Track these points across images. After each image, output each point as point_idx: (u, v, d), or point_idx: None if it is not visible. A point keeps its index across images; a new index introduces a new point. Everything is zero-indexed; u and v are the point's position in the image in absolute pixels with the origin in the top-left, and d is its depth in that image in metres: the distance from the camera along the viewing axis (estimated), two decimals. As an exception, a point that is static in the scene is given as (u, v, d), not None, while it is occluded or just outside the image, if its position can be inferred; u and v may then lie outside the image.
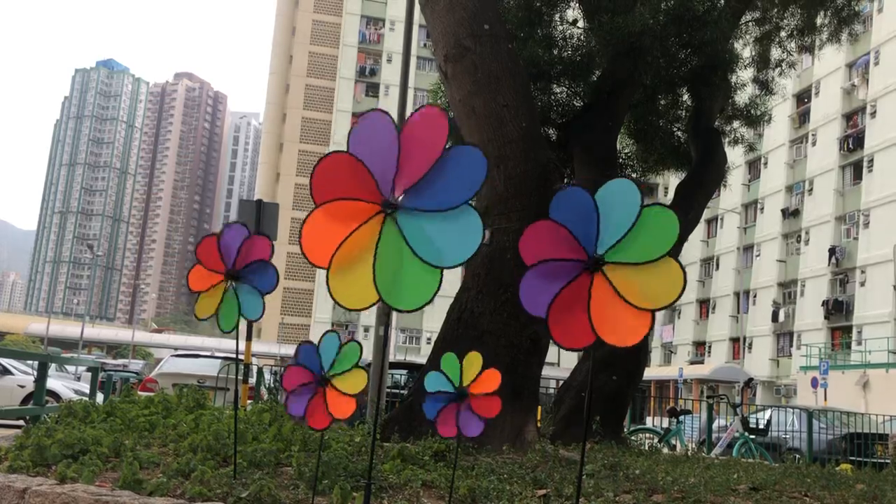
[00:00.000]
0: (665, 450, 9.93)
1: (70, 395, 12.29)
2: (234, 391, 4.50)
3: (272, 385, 13.20)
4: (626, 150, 11.75)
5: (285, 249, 62.23)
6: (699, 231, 46.89)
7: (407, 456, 4.86)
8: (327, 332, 3.51)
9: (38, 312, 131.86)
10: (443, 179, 2.51)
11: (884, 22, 37.77)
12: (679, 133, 11.42)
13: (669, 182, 43.19)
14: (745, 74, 11.81)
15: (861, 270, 37.23)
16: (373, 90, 66.29)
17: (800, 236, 42.92)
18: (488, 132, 6.60)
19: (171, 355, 17.33)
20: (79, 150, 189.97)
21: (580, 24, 10.33)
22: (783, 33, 11.83)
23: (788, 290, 43.74)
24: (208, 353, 19.12)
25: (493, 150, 6.56)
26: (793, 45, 11.98)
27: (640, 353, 9.31)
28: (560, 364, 40.38)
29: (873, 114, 38.04)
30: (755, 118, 11.71)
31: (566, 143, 9.73)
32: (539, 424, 7.49)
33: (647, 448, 8.65)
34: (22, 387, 13.18)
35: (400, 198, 2.58)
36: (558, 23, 10.23)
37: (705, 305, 52.06)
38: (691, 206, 9.94)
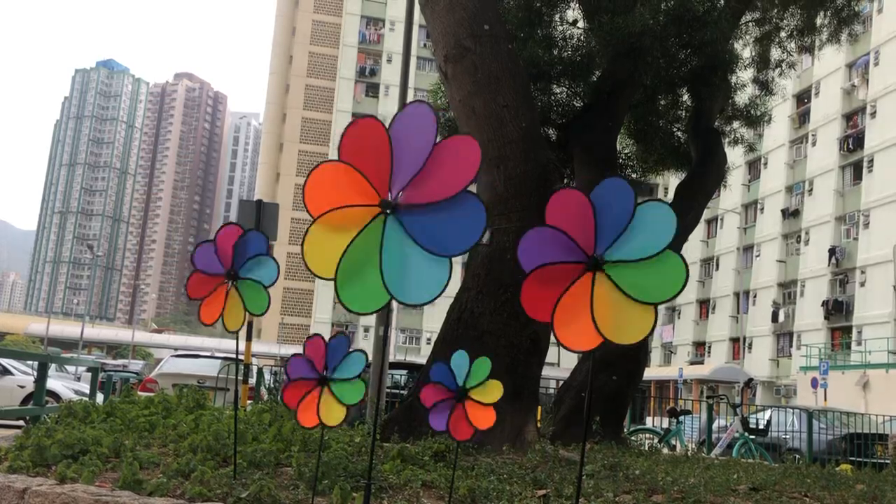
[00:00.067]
0: (665, 450, 9.93)
1: (70, 396, 12.28)
2: (234, 391, 4.50)
3: (272, 385, 13.21)
4: (626, 151, 11.75)
5: (285, 250, 62.22)
6: (699, 231, 46.90)
7: (407, 456, 4.86)
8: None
9: (38, 312, 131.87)
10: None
11: (883, 22, 37.77)
12: (679, 133, 11.42)
13: (669, 182, 43.20)
14: (745, 75, 11.81)
15: (861, 271, 37.23)
16: (373, 90, 66.30)
17: (800, 236, 42.92)
18: (488, 132, 6.60)
19: (171, 355, 17.34)
20: (79, 150, 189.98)
21: (580, 24, 10.33)
22: (783, 34, 11.83)
23: (788, 290, 43.74)
24: (208, 354, 19.13)
25: (493, 150, 6.57)
26: (793, 45, 11.98)
27: (640, 354, 9.30)
28: (560, 364, 40.37)
29: (873, 114, 38.04)
30: (755, 118, 11.71)
31: (566, 144, 9.73)
32: (539, 425, 7.49)
33: (646, 448, 8.65)
34: (22, 387, 13.18)
35: (398, 196, 2.58)
36: (558, 23, 10.23)
37: (705, 306, 52.06)
38: (691, 206, 9.94)
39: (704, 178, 10.29)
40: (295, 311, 68.98)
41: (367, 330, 57.58)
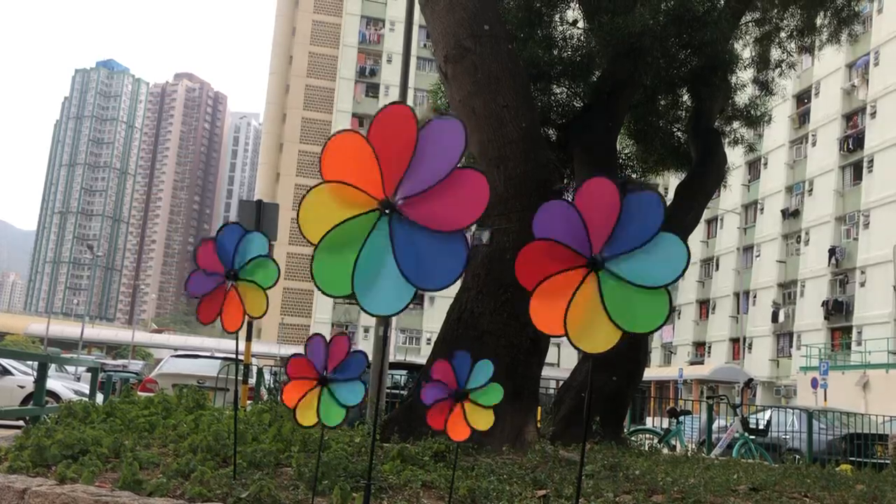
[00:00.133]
0: (665, 450, 9.93)
1: (70, 396, 12.28)
2: (234, 391, 4.50)
3: (272, 385, 13.20)
4: (626, 151, 11.75)
5: (285, 250, 62.24)
6: (699, 231, 46.91)
7: (407, 456, 4.86)
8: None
9: (38, 313, 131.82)
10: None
11: (883, 22, 37.77)
12: (679, 133, 11.42)
13: (669, 182, 43.11)
14: (745, 75, 11.81)
15: (861, 271, 37.23)
16: (373, 90, 66.30)
17: (800, 237, 42.92)
18: (488, 133, 6.60)
19: (171, 356, 17.35)
20: (79, 150, 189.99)
21: (580, 24, 10.33)
22: (783, 34, 11.83)
23: (788, 290, 43.74)
24: (208, 354, 19.13)
25: (493, 150, 6.57)
26: (793, 45, 11.97)
27: (639, 354, 9.30)
28: (560, 364, 40.40)
29: (873, 114, 38.04)
30: (755, 119, 11.71)
31: (566, 144, 9.73)
32: (539, 425, 7.50)
33: (646, 448, 8.65)
34: (22, 387, 13.17)
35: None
36: (558, 23, 10.23)
37: (705, 306, 52.06)
38: (691, 206, 9.94)
39: (704, 178, 10.29)
40: (295, 312, 68.96)
41: (367, 330, 57.58)
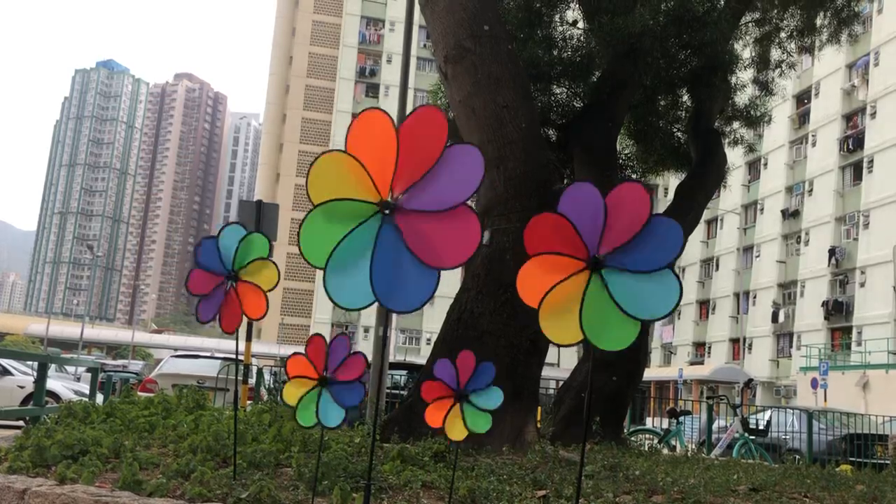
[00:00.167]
0: (665, 450, 9.93)
1: (70, 396, 12.28)
2: (234, 392, 4.50)
3: (272, 386, 13.20)
4: (626, 151, 11.75)
5: (285, 250, 62.22)
6: (699, 232, 46.93)
7: (407, 457, 4.86)
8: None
9: (38, 313, 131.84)
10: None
11: (883, 23, 37.77)
12: (679, 134, 11.42)
13: (669, 183, 43.19)
14: (744, 75, 11.81)
15: (861, 271, 37.23)
16: (373, 91, 66.30)
17: (800, 237, 42.91)
18: (488, 133, 6.60)
19: (171, 356, 17.34)
20: (79, 150, 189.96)
21: (580, 24, 10.33)
22: (783, 34, 11.83)
23: (788, 290, 43.73)
24: (208, 354, 19.13)
25: (492, 150, 6.57)
26: (793, 45, 11.97)
27: (639, 354, 9.30)
28: (560, 364, 40.38)
29: (873, 114, 38.04)
30: (755, 119, 11.71)
31: (566, 144, 9.72)
32: (539, 425, 7.50)
33: (646, 449, 8.65)
34: (22, 387, 13.17)
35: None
36: (558, 24, 10.23)
37: (705, 306, 52.05)
38: (691, 206, 9.94)
39: (704, 178, 10.29)
40: (295, 312, 68.97)
41: (367, 330, 57.60)
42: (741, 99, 11.77)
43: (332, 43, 72.93)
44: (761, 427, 12.69)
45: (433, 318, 53.69)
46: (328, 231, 2.64)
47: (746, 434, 10.65)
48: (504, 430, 5.96)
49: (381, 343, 9.52)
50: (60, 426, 5.52)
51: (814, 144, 42.55)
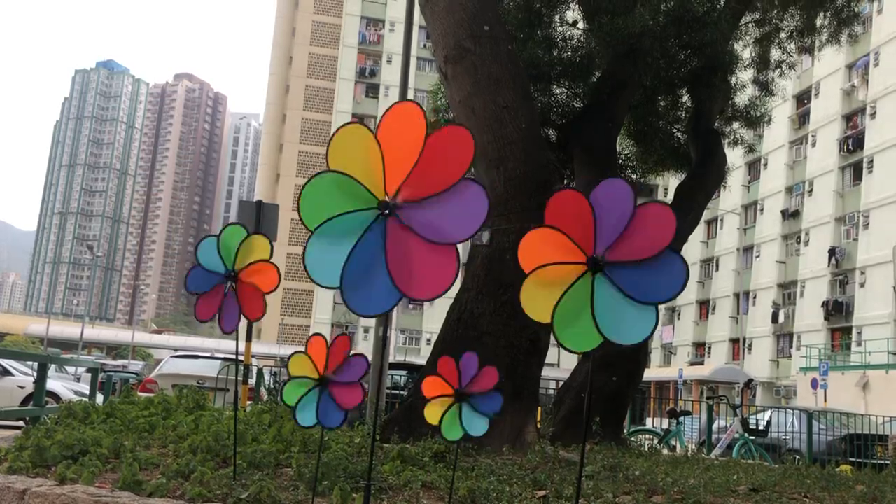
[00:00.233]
0: (665, 451, 9.93)
1: (70, 396, 12.28)
2: (234, 392, 4.50)
3: (272, 386, 13.20)
4: (626, 152, 11.75)
5: (285, 250, 62.23)
6: (699, 232, 46.87)
7: (407, 457, 4.86)
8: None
9: (38, 313, 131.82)
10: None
11: (883, 23, 37.77)
12: (679, 134, 11.42)
13: (669, 183, 43.22)
14: (744, 76, 11.81)
15: (861, 271, 37.23)
16: (373, 91, 66.29)
17: (799, 237, 42.91)
18: (488, 133, 6.60)
19: (171, 356, 17.34)
20: (79, 150, 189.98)
21: (580, 25, 10.33)
22: (783, 34, 11.83)
23: (788, 291, 43.73)
24: (208, 354, 19.14)
25: (492, 151, 6.57)
26: (792, 46, 11.98)
27: (639, 354, 9.31)
28: (560, 365, 40.36)
29: (873, 115, 38.04)
30: (755, 119, 11.71)
31: (566, 144, 9.73)
32: (539, 425, 7.50)
33: (646, 449, 8.65)
34: (22, 388, 13.17)
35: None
36: (558, 24, 10.23)
37: (705, 306, 52.06)
38: (691, 207, 9.94)
39: (704, 178, 10.29)
40: (295, 312, 68.95)
41: (366, 331, 57.56)
42: (741, 99, 11.77)
43: (332, 43, 72.93)
44: (761, 427, 12.69)
45: (433, 319, 53.73)
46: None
47: (746, 434, 10.65)
48: (504, 430, 5.96)
49: (381, 343, 9.53)
50: (60, 426, 5.52)
51: (814, 145, 42.56)
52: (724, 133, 11.64)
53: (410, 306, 58.26)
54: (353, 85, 66.41)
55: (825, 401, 26.75)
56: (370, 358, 10.50)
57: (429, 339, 56.05)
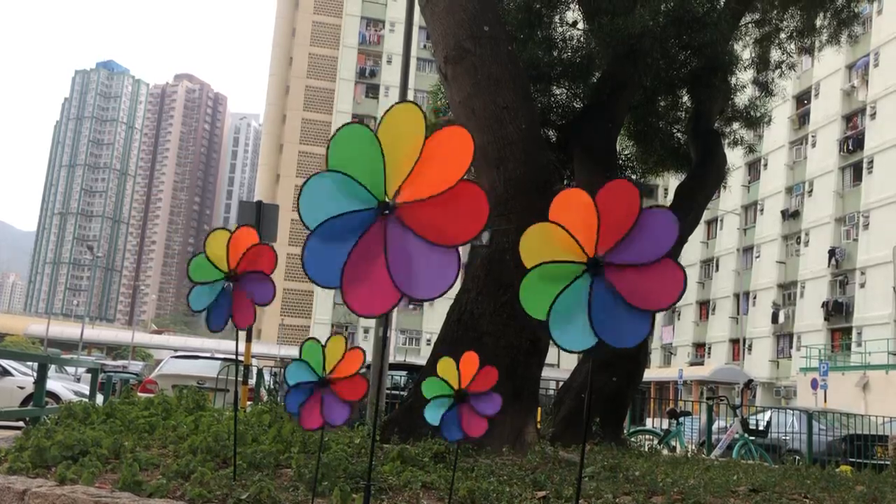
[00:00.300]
0: (665, 451, 9.93)
1: (70, 397, 12.28)
2: (234, 392, 4.50)
3: (272, 386, 13.20)
4: (625, 152, 11.75)
5: (285, 250, 62.17)
6: (699, 232, 46.85)
7: (407, 457, 4.86)
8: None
9: (38, 313, 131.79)
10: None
11: (883, 23, 37.78)
12: (679, 134, 11.42)
13: (669, 183, 43.19)
14: (744, 76, 11.82)
15: (861, 272, 37.23)
16: (373, 91, 66.32)
17: (800, 238, 42.92)
18: (488, 134, 6.61)
19: (171, 356, 17.34)
20: (79, 151, 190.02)
21: (580, 25, 10.33)
22: (783, 35, 11.84)
23: (788, 291, 43.74)
24: (208, 355, 19.13)
25: (492, 151, 6.57)
26: (792, 46, 11.98)
27: (639, 355, 9.31)
28: (560, 365, 40.39)
29: (873, 115, 38.04)
30: (755, 120, 11.71)
31: (566, 145, 9.73)
32: (539, 426, 7.50)
33: (646, 449, 8.66)
34: (22, 388, 13.17)
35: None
36: (558, 24, 10.24)
37: (705, 307, 52.06)
38: (691, 207, 9.94)
39: (704, 179, 10.30)
40: (295, 313, 68.96)
41: (366, 331, 57.54)
42: (741, 100, 11.78)
43: (332, 44, 72.95)
44: (761, 428, 12.69)
45: (433, 319, 53.74)
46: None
47: (746, 435, 10.65)
48: (504, 430, 5.96)
49: (381, 344, 9.53)
50: (60, 427, 5.52)
51: (814, 145, 42.57)
52: (724, 133, 11.64)
53: (410, 307, 58.27)
54: (353, 85, 66.45)
55: (825, 401, 26.76)
56: (371, 358, 10.49)
57: (429, 340, 56.05)
